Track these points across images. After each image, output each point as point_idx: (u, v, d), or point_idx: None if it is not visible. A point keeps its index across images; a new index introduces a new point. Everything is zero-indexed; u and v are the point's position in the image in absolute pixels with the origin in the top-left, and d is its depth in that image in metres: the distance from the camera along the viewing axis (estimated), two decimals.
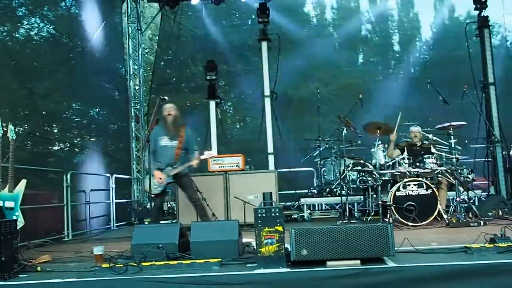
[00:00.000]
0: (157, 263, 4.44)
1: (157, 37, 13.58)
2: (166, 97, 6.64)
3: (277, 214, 4.25)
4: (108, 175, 9.76)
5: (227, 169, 8.43)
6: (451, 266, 3.97)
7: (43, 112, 8.33)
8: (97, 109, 11.24)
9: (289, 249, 4.21)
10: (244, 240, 5.25)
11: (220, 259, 4.44)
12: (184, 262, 4.46)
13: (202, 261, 4.42)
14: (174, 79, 13.74)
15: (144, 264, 4.39)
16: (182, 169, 6.68)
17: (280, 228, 4.22)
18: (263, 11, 10.01)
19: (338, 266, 4.05)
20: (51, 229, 7.46)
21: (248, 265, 4.35)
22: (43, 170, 8.03)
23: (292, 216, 9.28)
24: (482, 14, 10.71)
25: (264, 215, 4.25)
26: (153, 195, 6.68)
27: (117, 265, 4.36)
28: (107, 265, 4.41)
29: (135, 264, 4.36)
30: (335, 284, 3.91)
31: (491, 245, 4.52)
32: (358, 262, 4.07)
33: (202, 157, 6.78)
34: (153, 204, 6.95)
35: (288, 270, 4.09)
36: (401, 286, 3.86)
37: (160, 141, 6.71)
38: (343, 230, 4.18)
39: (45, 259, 5.15)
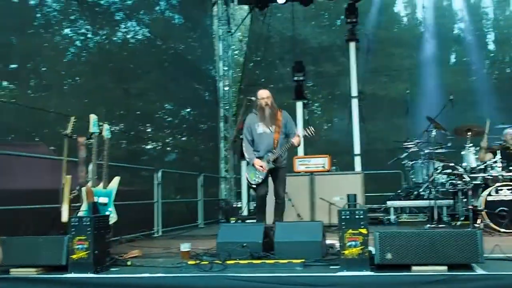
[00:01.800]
0: (241, 261, 4.51)
1: (246, 39, 13.91)
2: (253, 98, 6.73)
3: (361, 216, 4.20)
4: (197, 173, 10.10)
5: (313, 169, 8.47)
6: None
7: (137, 112, 8.75)
8: (188, 109, 11.67)
9: (373, 252, 4.15)
10: (328, 241, 5.25)
11: (303, 260, 4.44)
12: (267, 261, 4.51)
13: (285, 261, 4.45)
14: (262, 80, 13.97)
15: (228, 262, 4.47)
16: (282, 152, 6.39)
17: (364, 231, 4.16)
18: (352, 11, 9.94)
19: (424, 271, 3.94)
20: (142, 225, 7.80)
21: (331, 267, 4.32)
22: (136, 168, 8.44)
23: (379, 219, 9.14)
24: None
25: (348, 217, 4.21)
26: (254, 186, 6.44)
27: (202, 262, 4.48)
28: (193, 262, 4.55)
29: (219, 262, 4.46)
30: None
31: None
32: (445, 268, 3.95)
33: (302, 133, 6.43)
34: (256, 194, 6.56)
35: (372, 273, 4.03)
36: None
37: (256, 128, 6.42)
38: (430, 234, 4.07)
39: (136, 254, 5.37)
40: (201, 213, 9.95)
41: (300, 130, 6.47)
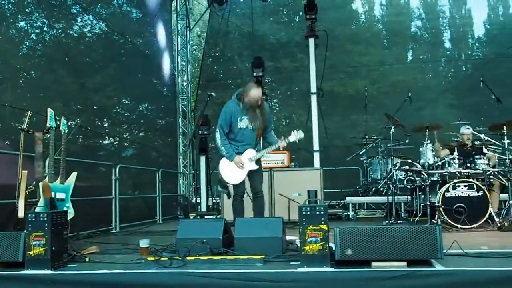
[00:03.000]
0: (201, 257, 4.47)
1: (205, 34, 13.76)
2: (213, 94, 6.61)
3: (322, 212, 4.20)
4: (155, 168, 9.93)
5: (272, 166, 8.43)
6: (502, 271, 3.81)
7: (94, 107, 8.56)
8: (145, 105, 11.47)
9: (334, 248, 4.15)
10: (288, 237, 5.23)
11: (263, 256, 4.41)
12: (227, 257, 4.48)
13: (245, 257, 4.42)
14: (221, 75, 13.86)
15: (188, 258, 4.43)
16: (266, 153, 6.13)
17: (324, 227, 4.16)
18: (311, 8, 9.92)
19: (384, 267, 3.96)
20: (100, 221, 7.63)
21: (291, 263, 4.32)
22: (94, 163, 8.25)
23: (337, 215, 9.22)
24: None
25: (308, 213, 4.19)
26: (228, 184, 6.10)
27: (162, 259, 4.42)
28: (152, 258, 4.48)
29: (179, 258, 4.41)
30: (380, 285, 3.82)
31: None
32: (405, 264, 3.97)
33: (291, 139, 5.94)
34: (234, 194, 6.10)
35: (332, 269, 4.03)
36: None
37: (239, 122, 5.92)
38: (390, 230, 4.08)
39: (93, 250, 5.27)
40: (159, 209, 9.80)
41: (292, 136, 5.96)
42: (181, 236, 4.90)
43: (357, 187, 10.00)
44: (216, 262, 4.37)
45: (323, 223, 4.17)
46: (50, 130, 5.42)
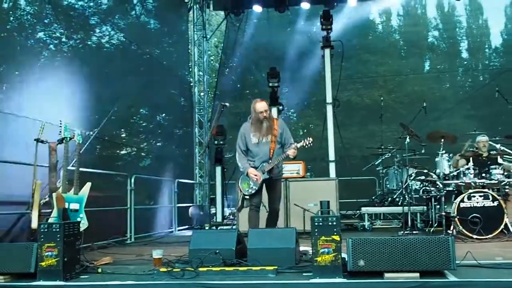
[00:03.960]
0: (213, 268, 4.48)
1: (222, 44, 13.88)
2: (227, 104, 6.62)
3: (334, 223, 4.20)
4: (171, 179, 10.01)
5: (288, 176, 8.43)
6: None
7: (112, 117, 8.64)
8: (163, 115, 11.57)
9: (346, 259, 4.15)
10: (302, 248, 5.23)
11: (276, 267, 4.41)
12: (240, 268, 4.48)
13: (258, 268, 4.41)
14: (238, 85, 13.95)
15: (201, 269, 4.43)
16: (278, 162, 6.11)
17: (337, 238, 4.16)
18: (327, 18, 9.95)
19: (396, 278, 3.95)
20: (115, 232, 7.69)
21: (304, 274, 4.31)
22: (109, 174, 8.32)
23: (353, 225, 9.18)
24: None
25: (321, 223, 4.21)
26: (247, 197, 6.12)
27: (174, 270, 4.43)
28: (165, 269, 4.50)
29: (192, 269, 4.42)
30: None
31: None
32: (417, 275, 3.96)
33: (299, 145, 5.99)
34: (249, 205, 6.14)
35: (345, 280, 4.03)
36: None
37: (252, 139, 6.10)
38: (402, 241, 4.08)
39: (106, 261, 5.31)
40: (175, 219, 9.86)
41: (301, 142, 6.01)
42: (194, 247, 4.90)
43: (373, 197, 9.94)
44: (228, 273, 4.37)
45: (335, 233, 4.17)
46: (64, 141, 5.48)
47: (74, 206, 5.35)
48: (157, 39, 11.18)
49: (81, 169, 5.60)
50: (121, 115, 9.37)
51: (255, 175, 6.02)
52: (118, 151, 9.56)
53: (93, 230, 5.55)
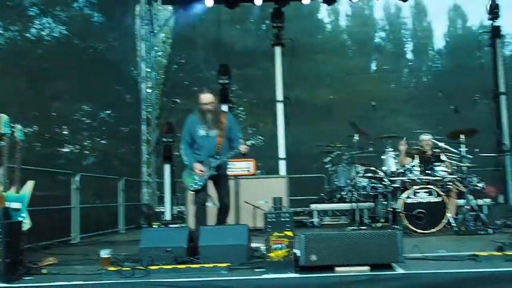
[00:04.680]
0: (165, 266, 4.39)
1: (170, 40, 13.63)
2: (178, 100, 6.54)
3: (287, 219, 4.22)
4: (117, 177, 9.74)
5: (238, 173, 8.39)
6: (459, 273, 3.96)
7: (53, 113, 8.30)
8: (108, 111, 11.25)
9: (298, 255, 4.17)
10: (254, 245, 5.21)
11: (228, 264, 4.39)
12: (192, 266, 4.43)
13: (210, 265, 4.38)
14: (187, 82, 13.76)
15: (151, 267, 4.34)
16: (226, 160, 6.02)
17: (289, 233, 4.18)
18: (278, 16, 10.00)
19: (347, 272, 4.01)
20: (59, 232, 7.41)
21: (256, 270, 4.31)
22: (52, 172, 8.00)
23: (302, 222, 9.26)
24: (495, 24, 10.72)
25: (274, 220, 4.21)
26: (192, 192, 5.98)
27: (124, 269, 4.31)
28: (114, 268, 4.37)
29: (142, 268, 4.31)
30: None
31: (499, 253, 4.53)
32: (367, 268, 4.03)
33: (250, 142, 5.93)
34: (195, 202, 5.99)
35: (297, 275, 4.04)
36: None
37: (198, 131, 5.92)
38: (353, 236, 4.18)
39: (51, 261, 5.11)
40: (122, 218, 9.61)
41: (253, 139, 5.97)
42: (144, 245, 4.82)
43: (322, 194, 10.05)
44: (180, 271, 4.31)
45: (288, 229, 4.18)
46: (4, 137, 5.21)
47: (15, 205, 5.07)
48: (102, 33, 10.81)
49: (22, 166, 5.32)
50: (63, 111, 9.03)
51: (201, 171, 5.85)
52: (60, 149, 9.19)
53: (36, 231, 5.29)
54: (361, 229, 7.56)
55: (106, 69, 10.42)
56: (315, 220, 9.04)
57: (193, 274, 4.20)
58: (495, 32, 10.73)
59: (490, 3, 10.75)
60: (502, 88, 10.59)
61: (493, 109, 10.77)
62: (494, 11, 10.68)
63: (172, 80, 13.28)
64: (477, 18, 13.02)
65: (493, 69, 10.78)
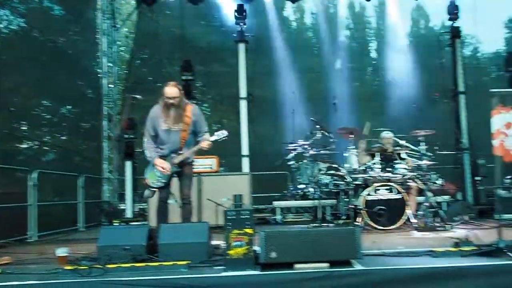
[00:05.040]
0: (123, 265, 4.33)
1: (133, 35, 13.40)
2: (138, 96, 6.40)
3: (247, 216, 4.21)
4: (77, 174, 9.52)
5: (201, 170, 8.31)
6: (416, 269, 4.05)
7: (12, 108, 8.07)
8: (69, 107, 11.02)
9: (258, 252, 4.17)
10: (215, 242, 5.18)
11: (188, 262, 4.35)
12: (151, 264, 4.38)
13: (170, 263, 4.34)
14: (150, 78, 13.57)
15: (109, 266, 4.27)
16: (190, 155, 5.78)
17: (249, 231, 4.19)
18: (241, 13, 9.97)
19: (306, 268, 4.04)
20: (15, 230, 7.23)
21: (216, 267, 4.29)
22: (9, 169, 7.76)
23: (265, 219, 9.27)
24: (454, 25, 10.97)
25: (233, 217, 4.21)
26: (154, 189, 5.77)
27: (80, 267, 4.22)
28: (71, 267, 4.28)
29: (99, 266, 4.24)
30: (303, 286, 3.90)
31: (455, 249, 4.65)
32: (326, 265, 4.07)
33: (213, 138, 5.75)
34: (158, 199, 5.81)
35: (256, 272, 4.05)
36: None
37: (161, 124, 5.69)
38: (312, 233, 4.23)
39: (6, 261, 4.98)
40: (81, 216, 9.40)
41: (216, 134, 5.80)
42: (102, 244, 4.73)
43: (285, 192, 10.07)
44: (139, 270, 4.26)
45: (248, 227, 4.18)
46: None
47: None
48: (62, 26, 10.57)
49: None
50: (21, 106, 8.80)
51: (163, 168, 5.70)
52: (18, 145, 8.95)
53: None
54: (323, 226, 7.61)
55: (66, 64, 10.21)
56: (278, 217, 9.05)
57: (152, 273, 4.16)
58: (455, 33, 10.98)
59: (450, 4, 10.98)
60: (461, 88, 10.84)
61: (453, 108, 11.01)
62: (453, 12, 10.92)
63: (135, 75, 13.05)
64: (439, 18, 13.31)
65: (452, 69, 11.01)
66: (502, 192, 8.56)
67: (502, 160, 8.82)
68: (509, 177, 8.54)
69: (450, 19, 11.04)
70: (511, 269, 3.98)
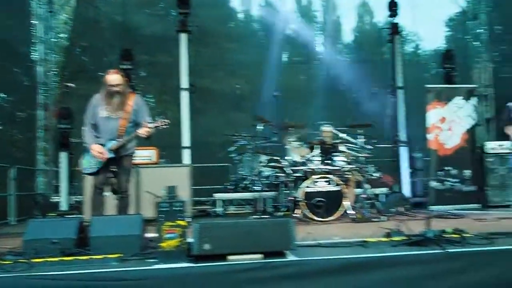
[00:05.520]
0: (50, 259, 4.18)
1: (72, 21, 12.89)
2: (72, 85, 6.20)
3: (180, 208, 4.15)
4: (8, 165, 9.08)
5: (139, 162, 8.12)
6: (347, 259, 4.09)
7: None
8: (3, 95, 10.54)
9: (192, 244, 4.11)
10: (150, 235, 5.08)
11: (120, 255, 4.24)
12: (80, 258, 4.24)
13: (100, 257, 4.22)
14: (90, 66, 13.16)
15: (35, 260, 4.11)
16: (127, 142, 5.68)
17: (182, 223, 4.13)
18: (184, 2, 9.78)
19: (240, 260, 4.01)
20: None
21: (149, 260, 4.20)
22: None
23: (206, 211, 9.21)
24: (394, 21, 11.26)
25: (166, 209, 4.15)
26: (86, 175, 5.74)
27: (4, 262, 4.07)
28: None
29: (24, 261, 4.07)
30: (236, 278, 3.88)
31: (387, 239, 4.76)
32: (260, 256, 4.06)
33: (152, 125, 5.62)
34: (93, 186, 5.69)
35: (189, 264, 3.99)
36: (300, 279, 3.91)
37: (100, 112, 5.60)
38: (246, 224, 4.20)
39: None
40: (12, 209, 9.00)
41: (153, 123, 5.66)
42: (29, 237, 4.52)
43: (226, 184, 10.03)
44: (67, 264, 4.11)
45: (181, 218, 4.13)
46: None
47: None
48: None
49: None
50: None
51: (99, 152, 5.59)
52: None
53: None
54: (263, 217, 7.62)
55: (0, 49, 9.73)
56: (218, 209, 9.01)
57: (81, 266, 4.01)
58: (394, 29, 11.25)
59: (390, 1, 11.24)
60: (399, 83, 11.13)
61: (391, 103, 11.29)
62: (393, 9, 11.19)
63: (75, 63, 12.61)
64: (383, 14, 13.62)
65: (391, 64, 11.29)
66: (435, 184, 8.89)
67: (436, 153, 9.14)
68: (442, 169, 8.89)
69: (390, 16, 11.30)
70: (437, 257, 4.10)
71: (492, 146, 9.26)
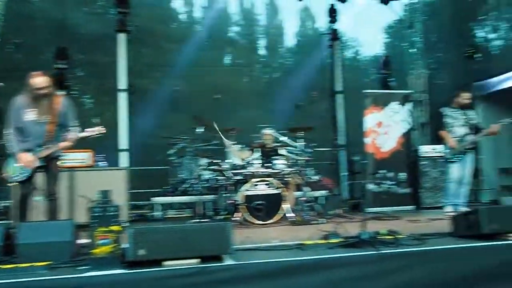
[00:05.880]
0: None
1: (2, 16, 12.31)
2: (1, 84, 5.91)
3: (115, 212, 4.03)
4: None
5: (73, 165, 7.84)
6: (284, 261, 4.12)
7: None
8: None
9: (127, 249, 4.00)
10: (83, 241, 4.89)
11: (49, 262, 4.07)
12: (4, 267, 4.05)
13: (27, 265, 4.04)
14: (23, 65, 12.57)
15: None
16: (56, 149, 5.51)
17: (116, 228, 4.01)
18: (123, 1, 9.57)
19: (176, 265, 3.95)
20: None
21: (80, 268, 4.04)
22: None
23: (144, 216, 9.00)
24: (333, 27, 11.51)
25: (99, 214, 4.02)
26: (14, 184, 5.47)
27: None
28: None
29: None
30: (173, 283, 3.81)
31: (324, 241, 4.87)
32: (197, 261, 4.02)
33: (83, 134, 5.54)
34: (20, 194, 5.49)
35: (123, 271, 3.88)
36: (238, 283, 3.90)
37: (27, 115, 5.42)
38: (183, 229, 4.14)
39: None
40: None
41: (88, 130, 5.56)
42: None
43: (165, 187, 9.86)
44: None
45: (115, 224, 4.00)
46: None
47: None
48: None
49: None
50: None
51: (27, 161, 5.39)
52: None
53: None
54: (203, 221, 7.54)
55: None
56: (157, 213, 8.83)
57: (6, 276, 3.81)
58: (334, 35, 11.50)
59: (330, 7, 11.47)
60: (338, 88, 11.37)
61: (332, 107, 11.51)
62: (332, 15, 11.44)
63: (7, 61, 12.01)
64: (324, 20, 13.84)
65: (331, 69, 11.52)
66: (371, 187, 9.12)
67: (373, 157, 9.38)
68: (379, 172, 9.13)
69: (330, 22, 11.53)
70: (371, 258, 4.19)
71: (426, 149, 9.61)
